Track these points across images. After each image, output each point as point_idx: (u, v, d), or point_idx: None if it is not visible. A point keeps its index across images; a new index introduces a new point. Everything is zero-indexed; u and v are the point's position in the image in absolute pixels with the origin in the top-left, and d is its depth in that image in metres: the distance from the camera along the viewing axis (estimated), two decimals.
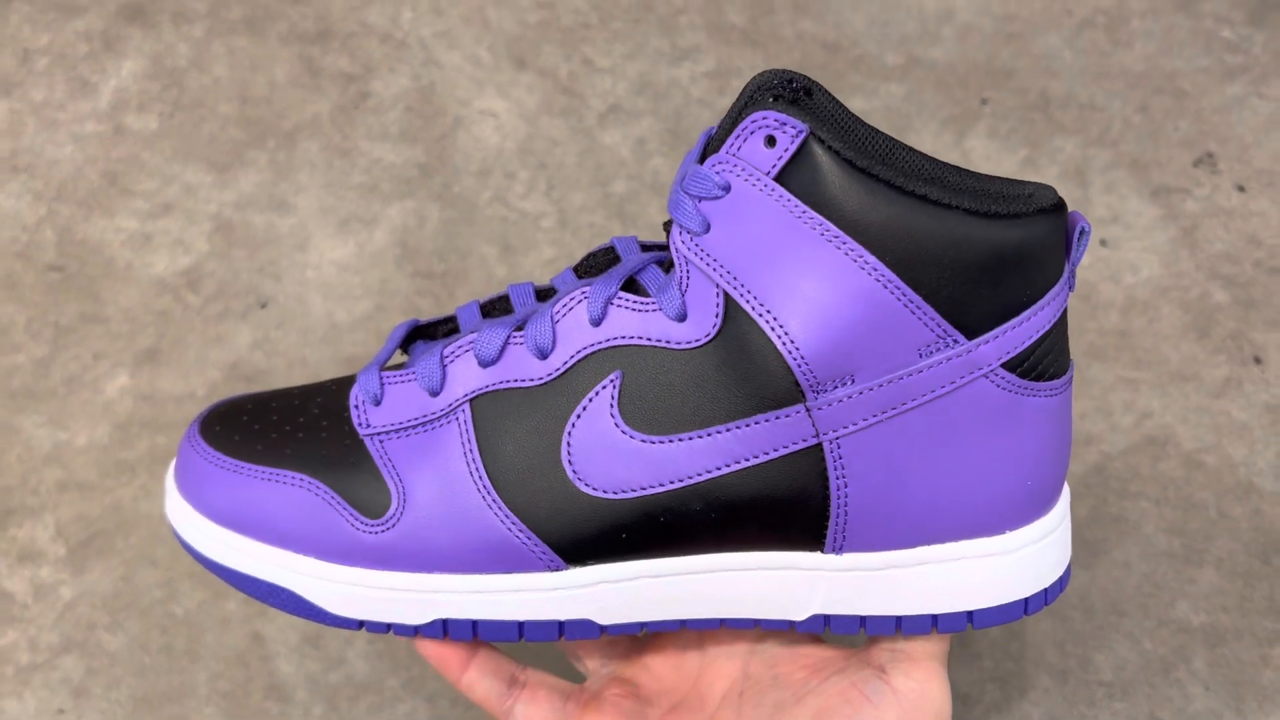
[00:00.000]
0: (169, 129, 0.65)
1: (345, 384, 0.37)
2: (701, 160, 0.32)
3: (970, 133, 0.67)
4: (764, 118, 0.30)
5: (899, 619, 0.33)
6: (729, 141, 0.30)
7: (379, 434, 0.34)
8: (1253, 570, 0.54)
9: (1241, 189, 0.65)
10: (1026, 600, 0.34)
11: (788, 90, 0.30)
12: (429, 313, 0.59)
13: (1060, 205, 0.31)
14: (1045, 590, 0.34)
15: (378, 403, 0.34)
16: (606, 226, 0.63)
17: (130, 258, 0.60)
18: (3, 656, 0.50)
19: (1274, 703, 0.51)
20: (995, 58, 0.70)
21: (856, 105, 0.68)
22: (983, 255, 0.30)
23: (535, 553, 0.33)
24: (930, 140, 0.66)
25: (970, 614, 0.33)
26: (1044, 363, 0.32)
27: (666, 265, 0.33)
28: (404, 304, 0.59)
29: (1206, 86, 0.69)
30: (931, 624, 0.33)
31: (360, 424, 0.34)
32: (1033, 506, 0.33)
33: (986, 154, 0.66)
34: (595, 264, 0.35)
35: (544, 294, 0.36)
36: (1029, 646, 0.52)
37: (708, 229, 0.31)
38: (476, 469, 0.33)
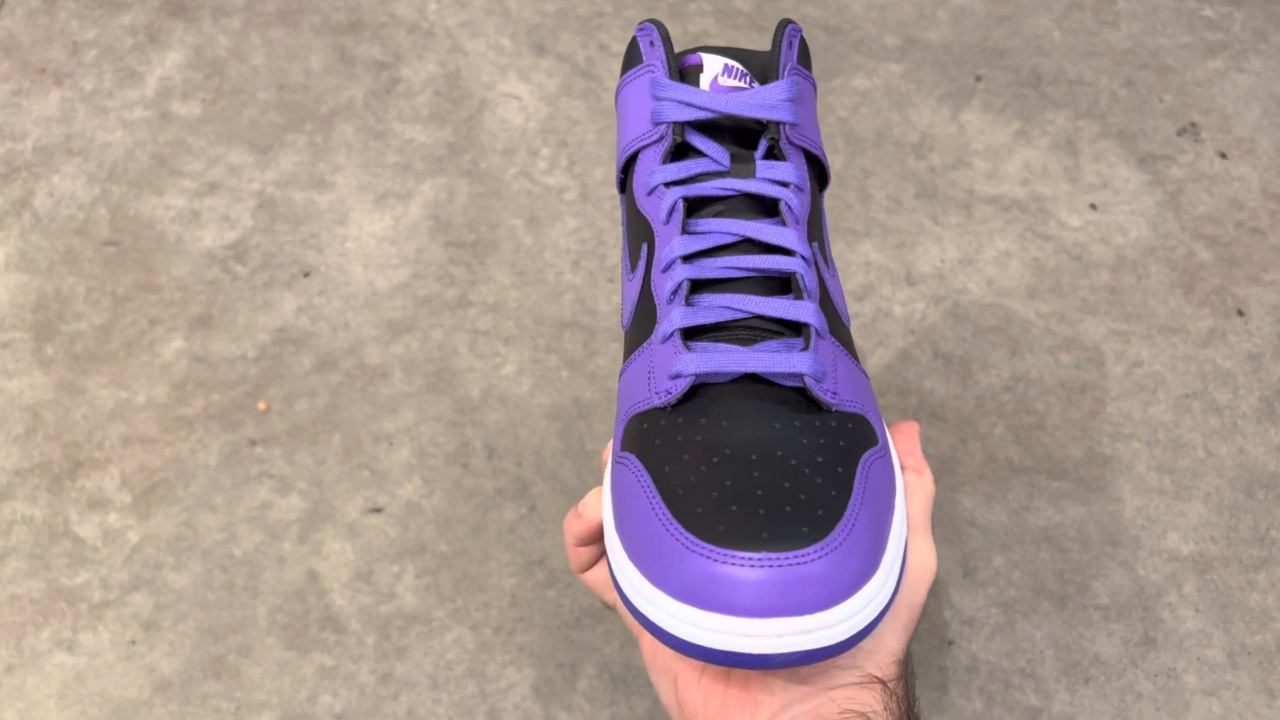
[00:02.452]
0: (212, 114, 0.69)
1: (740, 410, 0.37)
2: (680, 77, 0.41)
3: (966, 108, 0.71)
4: (793, 29, 0.40)
5: None
6: (785, 55, 0.40)
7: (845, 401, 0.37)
8: (1238, 503, 0.58)
9: (1223, 156, 0.69)
10: None
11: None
12: (462, 280, 0.63)
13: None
14: None
15: (820, 380, 0.36)
16: None
17: (180, 232, 0.64)
18: (77, 594, 0.53)
19: (1260, 622, 0.54)
20: (988, 38, 0.74)
21: (858, 84, 0.72)
22: None
23: None
24: (928, 115, 0.70)
25: None
26: None
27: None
28: (439, 271, 0.63)
29: (1189, 61, 0.73)
30: None
31: (829, 394, 0.36)
32: None
33: (981, 127, 0.70)
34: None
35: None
36: (1030, 575, 0.55)
37: (799, 118, 0.40)
38: None
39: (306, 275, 0.63)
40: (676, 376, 0.36)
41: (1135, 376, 0.61)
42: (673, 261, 0.38)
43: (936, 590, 0.55)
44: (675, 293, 0.37)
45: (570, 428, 0.59)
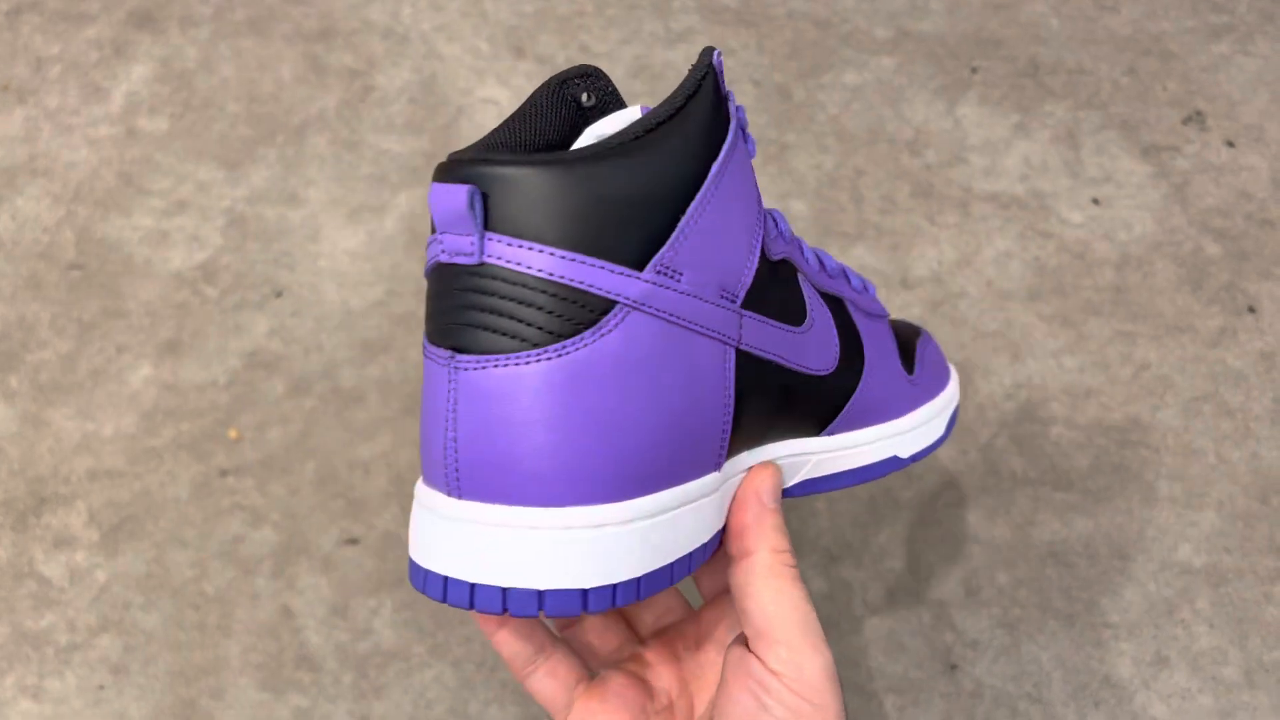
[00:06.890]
0: (180, 129, 0.67)
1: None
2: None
3: (962, 101, 0.68)
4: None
5: None
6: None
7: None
8: (1252, 511, 0.55)
9: (1231, 144, 0.67)
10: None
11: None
12: None
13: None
14: None
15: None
16: None
17: (148, 254, 0.62)
18: (43, 638, 0.51)
19: (1277, 638, 0.52)
20: (983, 28, 0.71)
21: (849, 79, 0.69)
22: None
23: None
24: (923, 109, 0.68)
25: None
26: None
27: None
28: (416, 287, 0.61)
29: (1193, 46, 0.71)
30: None
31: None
32: None
33: (978, 121, 0.67)
34: None
35: None
36: (1036, 593, 0.53)
37: None
38: None
39: (278, 295, 0.61)
40: None
41: (1142, 380, 0.59)
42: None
43: (938, 611, 0.52)
44: None
45: None
